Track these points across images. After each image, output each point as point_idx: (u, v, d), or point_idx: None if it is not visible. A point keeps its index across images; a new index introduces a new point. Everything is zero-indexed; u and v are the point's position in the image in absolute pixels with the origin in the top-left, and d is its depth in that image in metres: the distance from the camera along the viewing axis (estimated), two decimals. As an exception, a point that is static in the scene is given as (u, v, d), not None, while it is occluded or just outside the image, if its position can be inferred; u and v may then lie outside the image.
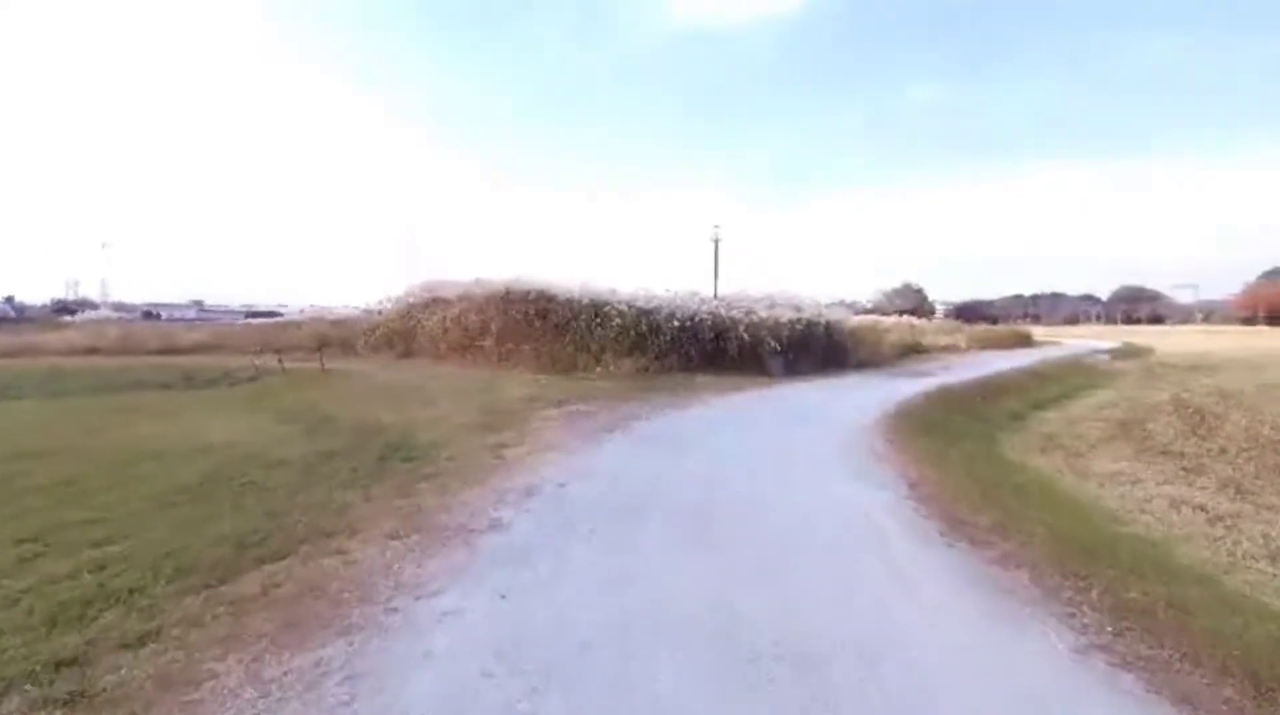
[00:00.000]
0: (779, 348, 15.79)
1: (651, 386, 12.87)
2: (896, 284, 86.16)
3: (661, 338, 14.97)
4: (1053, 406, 12.34)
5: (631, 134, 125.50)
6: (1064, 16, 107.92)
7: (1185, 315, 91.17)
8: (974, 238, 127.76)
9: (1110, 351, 28.37)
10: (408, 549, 4.00)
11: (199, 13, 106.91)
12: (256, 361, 19.36)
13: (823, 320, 17.88)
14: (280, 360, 18.85)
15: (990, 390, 13.45)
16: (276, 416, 10.05)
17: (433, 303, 20.42)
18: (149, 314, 49.07)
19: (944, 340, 30.55)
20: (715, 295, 17.55)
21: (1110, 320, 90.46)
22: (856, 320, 23.26)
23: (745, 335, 15.09)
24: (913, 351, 25.60)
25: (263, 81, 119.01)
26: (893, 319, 36.14)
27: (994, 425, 9.82)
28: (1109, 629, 2.96)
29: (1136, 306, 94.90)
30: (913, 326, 32.00)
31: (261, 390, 14.58)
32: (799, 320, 16.91)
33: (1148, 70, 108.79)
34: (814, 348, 17.63)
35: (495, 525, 4.42)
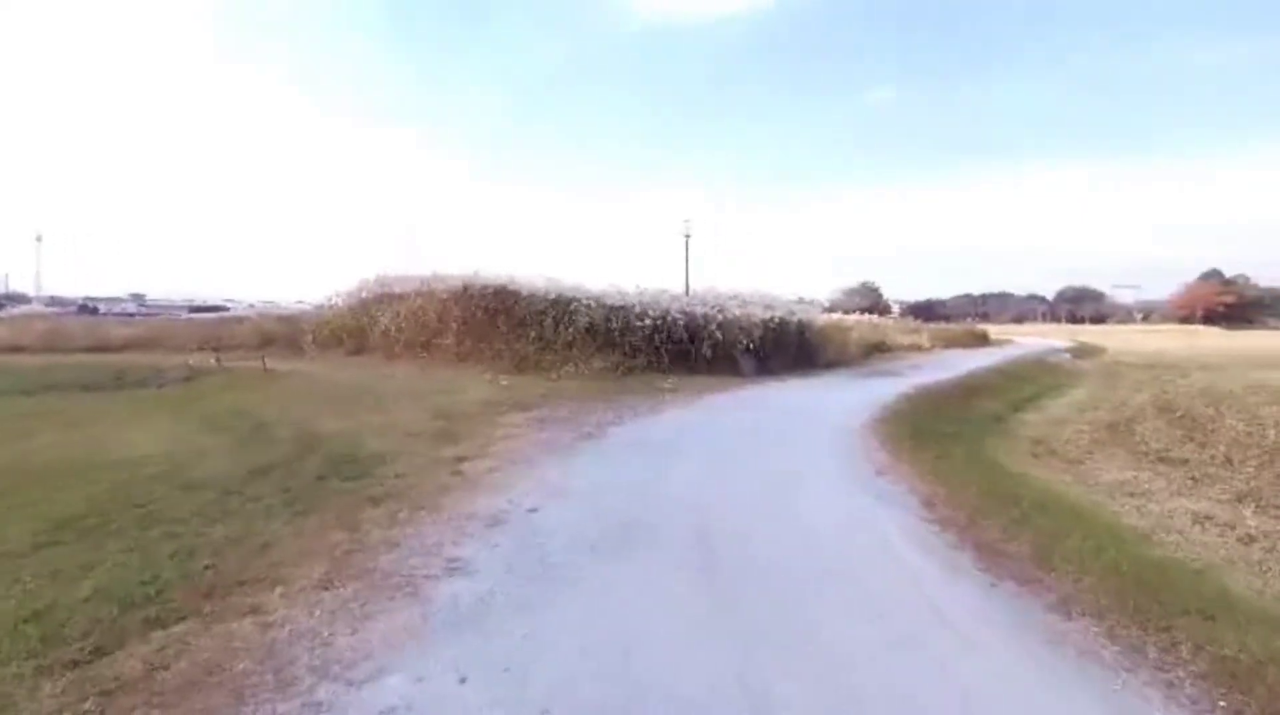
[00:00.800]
0: (751, 347, 15.28)
1: (622, 388, 12.16)
2: (854, 283, 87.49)
3: (632, 336, 14.26)
4: (1030, 407, 12.13)
5: (599, 131, 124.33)
6: (1007, 19, 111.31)
7: (1126, 315, 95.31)
8: (926, 238, 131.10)
9: (1068, 350, 28.98)
10: (342, 605, 3.19)
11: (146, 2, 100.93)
12: (191, 360, 17.87)
13: (795, 319, 17.46)
14: (218, 358, 17.41)
15: (966, 391, 13.21)
16: (204, 424, 8.96)
17: (386, 298, 19.22)
18: (86, 308, 46.19)
19: (907, 339, 30.73)
20: (687, 292, 16.91)
21: (1056, 319, 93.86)
22: (824, 319, 23.01)
23: (718, 334, 14.52)
24: (877, 350, 25.55)
25: (207, 73, 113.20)
26: (855, 317, 36.27)
27: (980, 428, 9.45)
28: (1223, 704, 2.41)
29: (1080, 306, 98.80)
30: (876, 325, 32.11)
31: (193, 393, 13.28)
32: (772, 318, 16.44)
33: (1095, 75, 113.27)
34: (786, 347, 17.21)
35: (453, 568, 3.63)
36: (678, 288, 18.68)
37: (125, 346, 25.41)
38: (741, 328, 15.18)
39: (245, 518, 4.54)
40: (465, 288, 16.95)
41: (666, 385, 12.57)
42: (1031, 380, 16.44)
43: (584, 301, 14.76)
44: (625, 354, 14.22)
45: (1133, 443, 8.06)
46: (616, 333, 14.33)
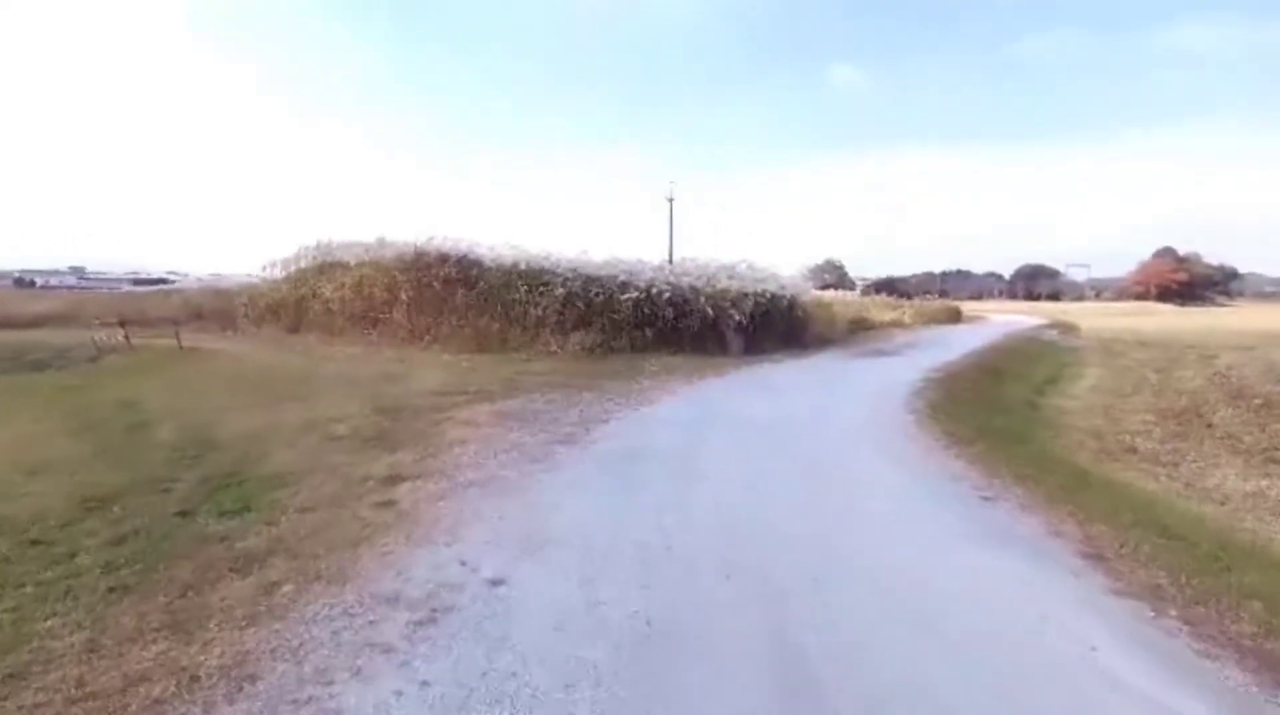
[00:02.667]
0: (741, 323, 13.71)
1: (602, 371, 10.47)
2: (818, 260, 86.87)
3: (614, 312, 12.52)
4: (1053, 391, 10.90)
5: (567, 105, 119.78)
6: (973, 5, 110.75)
7: (1079, 292, 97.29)
8: (886, 216, 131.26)
9: (1050, 328, 28.31)
10: None
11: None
12: (100, 338, 15.41)
13: (787, 293, 15.95)
14: (126, 336, 15.01)
15: (981, 373, 11.92)
16: (71, 422, 6.97)
17: (329, 268, 16.99)
18: (22, 281, 42.96)
19: (888, 315, 29.70)
20: (670, 262, 15.21)
21: (1013, 296, 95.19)
22: (813, 295, 21.59)
23: (708, 309, 12.89)
24: (860, 327, 24.41)
25: (149, 43, 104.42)
26: (830, 294, 35.13)
27: (1023, 419, 8.11)
28: None
29: (1036, 283, 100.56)
30: (861, 302, 30.98)
31: (84, 378, 11.07)
32: (763, 293, 14.87)
33: (1050, 63, 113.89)
34: (775, 324, 15.68)
35: (348, 734, 1.96)
36: (656, 260, 16.83)
37: (37, 322, 22.56)
38: (732, 302, 13.58)
39: (17, 606, 2.75)
40: (419, 255, 14.90)
41: (653, 367, 10.93)
42: (1037, 359, 15.34)
43: (558, 272, 12.93)
44: (605, 331, 12.50)
45: (1217, 435, 6.77)
46: (596, 307, 12.57)
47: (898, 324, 28.39)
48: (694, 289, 13.20)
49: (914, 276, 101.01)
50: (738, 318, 13.41)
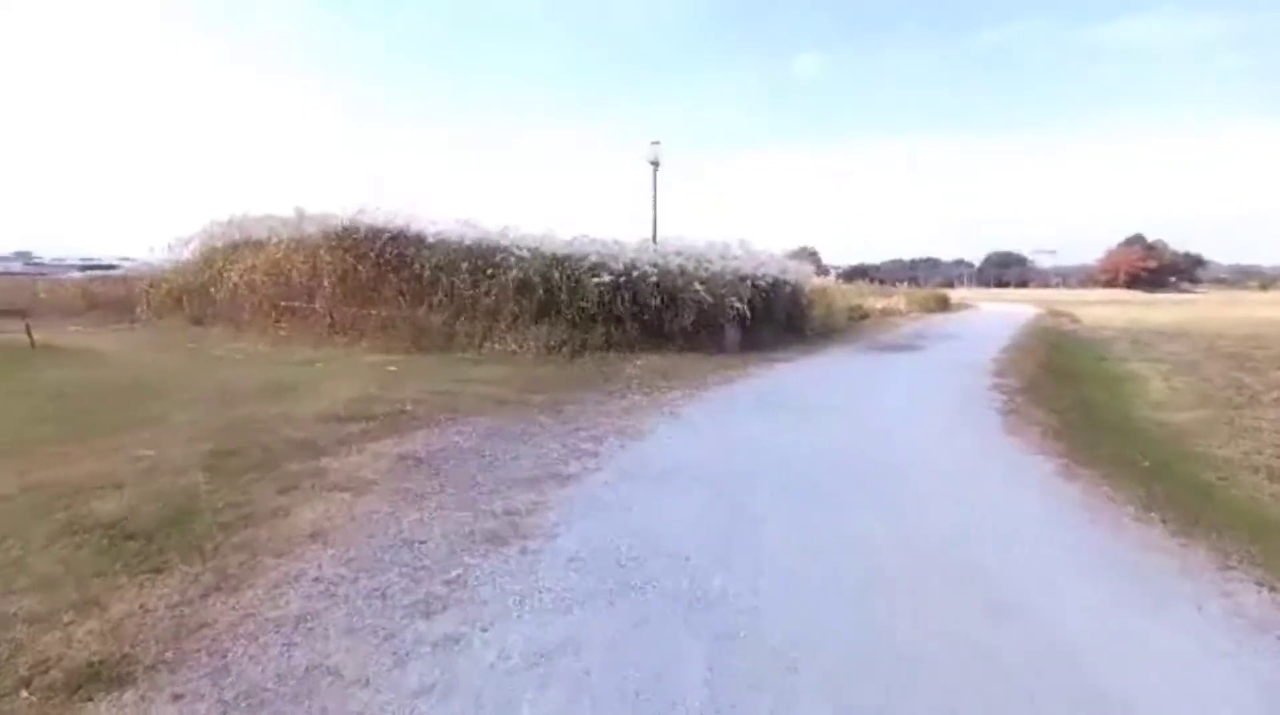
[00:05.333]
0: (741, 314, 11.33)
1: (571, 379, 7.99)
2: (794, 246, 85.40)
3: (585, 299, 10.01)
4: (1138, 400, 8.80)
5: (531, 83, 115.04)
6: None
7: (1044, 279, 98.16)
8: (853, 203, 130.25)
9: (1052, 317, 26.65)
10: None
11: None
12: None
13: (790, 279, 13.63)
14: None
15: (1043, 373, 9.78)
16: None
17: (243, 247, 14.07)
18: None
19: (882, 303, 27.83)
20: (654, 241, 12.70)
21: (984, 283, 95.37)
22: (817, 282, 19.34)
23: (705, 296, 10.46)
24: (860, 317, 22.38)
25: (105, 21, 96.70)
26: (820, 280, 33.13)
27: (1151, 443, 5.90)
28: None
29: (1006, 271, 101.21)
30: (852, 289, 28.99)
31: None
32: (762, 278, 12.52)
33: (1016, 53, 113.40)
34: (777, 315, 13.41)
35: None
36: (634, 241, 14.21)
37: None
38: (730, 288, 11.18)
39: None
40: (347, 231, 12.14)
41: (636, 370, 8.49)
42: (1074, 355, 13.33)
43: (515, 250, 10.34)
44: (575, 325, 9.99)
45: None
46: (562, 294, 10.03)
47: (894, 312, 26.51)
48: (684, 272, 10.75)
49: (885, 264, 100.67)
50: (738, 307, 11.02)
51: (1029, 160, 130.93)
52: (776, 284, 13.21)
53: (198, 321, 13.89)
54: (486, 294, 10.27)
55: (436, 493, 3.78)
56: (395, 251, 11.35)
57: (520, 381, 7.79)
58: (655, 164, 12.79)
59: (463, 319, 10.19)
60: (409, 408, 6.29)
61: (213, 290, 13.71)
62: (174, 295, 15.08)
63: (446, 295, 10.43)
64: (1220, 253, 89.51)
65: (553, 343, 9.65)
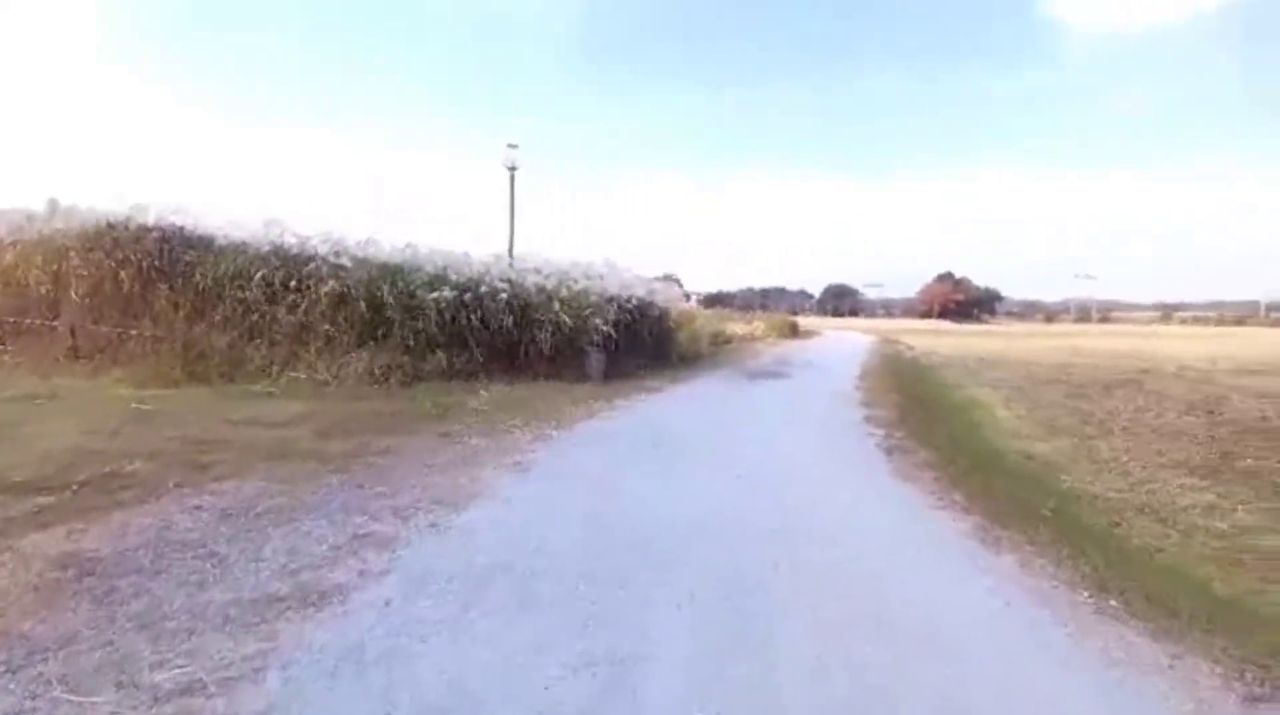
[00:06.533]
0: (607, 337, 10.26)
1: (393, 417, 6.35)
2: (658, 273, 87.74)
3: (422, 318, 8.34)
4: (993, 430, 8.87)
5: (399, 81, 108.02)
6: (805, 43, 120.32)
7: (873, 309, 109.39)
8: (711, 232, 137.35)
9: (889, 344, 28.71)
10: None
11: None
12: None
13: (658, 301, 12.86)
14: None
15: (910, 402, 9.69)
16: None
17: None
18: None
19: (742, 328, 28.49)
20: (511, 255, 11.28)
21: (823, 312, 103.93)
22: (684, 305, 18.85)
23: (565, 318, 9.22)
24: (723, 342, 22.43)
25: None
26: (685, 305, 33.44)
27: (1030, 482, 5.58)
28: None
29: (841, 301, 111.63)
30: (714, 315, 29.35)
31: None
32: (629, 300, 11.60)
33: (862, 101, 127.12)
34: (644, 339, 12.55)
35: None
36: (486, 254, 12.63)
37: None
38: (594, 310, 10.07)
39: None
40: (108, 230, 9.46)
41: (481, 403, 7.03)
42: (920, 381, 13.81)
43: (329, 259, 8.44)
44: (409, 349, 8.29)
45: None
46: (393, 312, 8.30)
47: (752, 337, 27.10)
48: (543, 291, 9.47)
49: (740, 292, 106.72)
50: (603, 330, 9.93)
51: (861, 200, 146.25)
52: (644, 306, 12.36)
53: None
54: (291, 310, 8.25)
55: (71, 645, 2.15)
56: (168, 255, 8.93)
57: (324, 422, 6.02)
58: (512, 169, 11.47)
59: (257, 341, 8.07)
60: (134, 467, 4.40)
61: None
62: None
63: (238, 310, 8.25)
64: (1012, 289, 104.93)
65: (378, 371, 7.89)
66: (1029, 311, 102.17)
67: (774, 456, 5.38)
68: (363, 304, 8.10)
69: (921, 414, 8.50)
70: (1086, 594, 2.81)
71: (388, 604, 2.50)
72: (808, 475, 4.85)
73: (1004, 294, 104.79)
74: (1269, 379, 11.32)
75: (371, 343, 8.23)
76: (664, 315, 13.88)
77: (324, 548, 3.06)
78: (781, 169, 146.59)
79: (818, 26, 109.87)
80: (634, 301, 11.81)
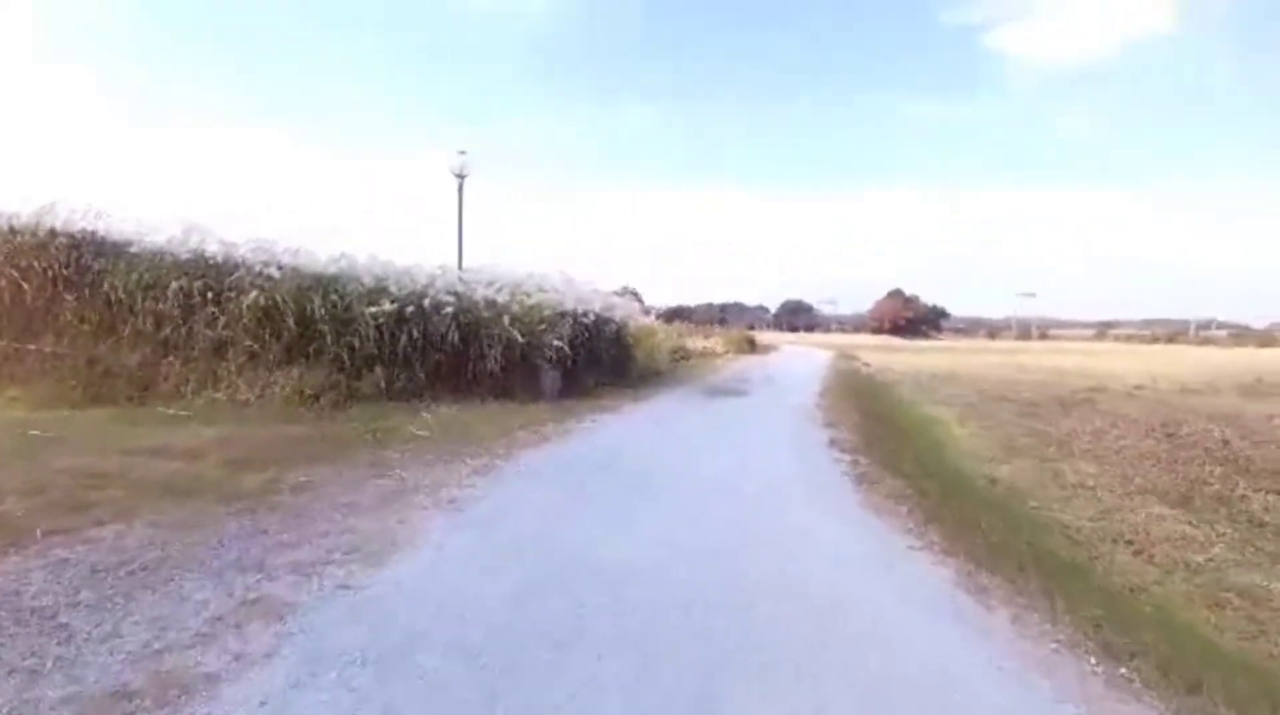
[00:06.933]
0: (562, 354, 9.79)
1: (323, 443, 5.73)
2: (617, 287, 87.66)
3: (359, 333, 7.72)
4: (955, 451, 8.80)
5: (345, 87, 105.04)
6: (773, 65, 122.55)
7: (827, 325, 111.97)
8: (670, 248, 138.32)
9: (846, 359, 29.02)
10: None
11: None
12: None
13: (616, 316, 12.47)
14: None
15: (874, 423, 9.52)
16: None
17: None
18: None
19: (701, 343, 28.32)
20: (460, 266, 10.73)
21: (779, 327, 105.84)
22: (643, 320, 18.44)
23: (517, 334, 8.72)
24: (682, 357, 22.20)
25: None
26: (644, 320, 33.17)
27: (998, 509, 5.37)
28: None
29: (796, 317, 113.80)
30: (674, 329, 29.14)
31: None
32: (585, 315, 11.17)
33: (816, 122, 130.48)
34: (601, 356, 12.13)
35: None
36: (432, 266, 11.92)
37: None
38: (549, 325, 9.60)
39: None
40: (13, 235, 8.53)
41: (419, 428, 6.46)
42: (876, 398, 13.81)
43: (256, 267, 7.75)
44: (344, 367, 7.64)
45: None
46: (324, 326, 7.65)
47: (713, 353, 26.97)
48: (493, 304, 8.95)
49: (698, 307, 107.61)
50: (558, 346, 9.45)
51: (817, 218, 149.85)
52: (602, 321, 11.94)
53: None
54: (211, 324, 7.51)
55: None
56: (78, 263, 8.08)
57: (238, 450, 5.38)
58: (461, 176, 10.94)
59: (172, 358, 7.31)
60: (3, 508, 3.75)
61: None
62: None
63: (149, 325, 7.47)
64: (958, 306, 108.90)
65: (308, 391, 7.23)
66: (973, 328, 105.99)
67: (740, 493, 4.99)
68: (290, 318, 7.42)
69: (884, 434, 8.31)
70: (1093, 660, 2.51)
71: (263, 704, 1.99)
72: (778, 516, 4.48)
73: (950, 311, 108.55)
74: (1215, 398, 11.64)
75: (302, 360, 7.56)
76: (622, 330, 13.48)
77: (200, 620, 2.51)
78: (741, 185, 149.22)
79: (792, 53, 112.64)
80: (591, 316, 11.37)
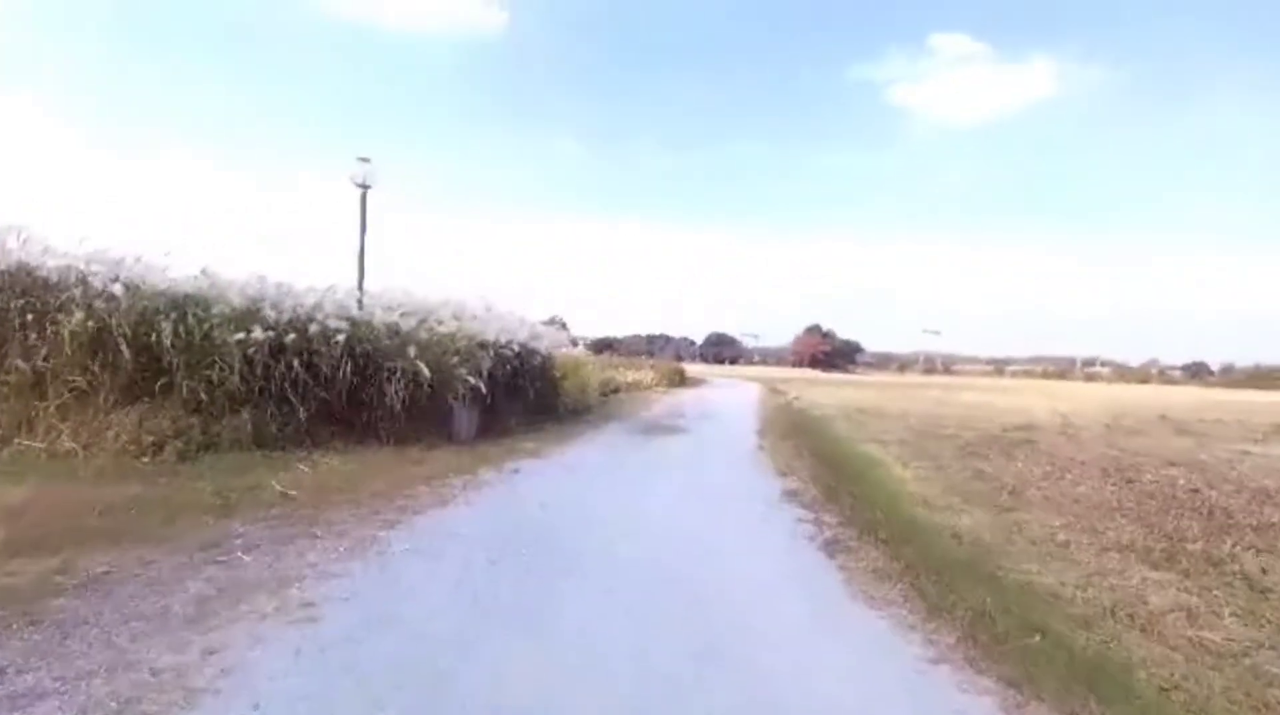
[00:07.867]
0: (479, 391, 8.60)
1: (154, 512, 4.34)
2: (544, 317, 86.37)
3: (222, 365, 6.26)
4: (904, 495, 8.24)
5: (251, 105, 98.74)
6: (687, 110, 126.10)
7: (750, 357, 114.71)
8: (603, 280, 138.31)
9: (774, 394, 28.98)
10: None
11: None
12: None
13: (542, 348, 11.41)
14: None
15: (819, 464, 8.90)
16: None
17: None
18: None
19: (631, 376, 27.50)
20: (360, 290, 9.36)
21: (705, 360, 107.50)
22: (568, 351, 17.30)
23: (424, 367, 7.47)
24: (612, 390, 21.28)
25: None
26: (572, 351, 32.09)
27: (965, 565, 4.70)
28: None
29: (721, 349, 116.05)
30: (603, 361, 28.21)
31: None
32: (509, 345, 10.07)
33: (739, 166, 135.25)
34: (525, 391, 11.02)
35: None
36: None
37: None
38: (464, 356, 8.41)
39: None
40: None
41: (287, 486, 5.13)
42: (815, 434, 13.33)
43: (98, 283, 6.19)
44: (198, 407, 6.16)
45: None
46: (175, 356, 6.16)
47: (643, 386, 26.23)
48: (396, 333, 7.70)
49: (627, 338, 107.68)
50: (472, 382, 8.26)
51: (739, 254, 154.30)
52: (527, 353, 10.85)
53: None
54: (28, 355, 5.88)
55: None
56: None
57: (31, 522, 3.95)
58: (364, 187, 9.67)
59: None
60: None
61: None
62: None
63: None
64: (870, 340, 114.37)
65: (149, 438, 5.72)
66: (884, 362, 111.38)
67: (690, 577, 4.02)
68: (132, 347, 5.91)
69: (838, 484, 7.64)
70: None
71: None
72: (745, 612, 3.55)
73: (863, 345, 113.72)
74: (1149, 438, 11.84)
75: (146, 399, 6.04)
76: (549, 363, 12.43)
77: None
78: (668, 221, 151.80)
79: (719, 102, 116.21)
80: (515, 347, 10.27)
